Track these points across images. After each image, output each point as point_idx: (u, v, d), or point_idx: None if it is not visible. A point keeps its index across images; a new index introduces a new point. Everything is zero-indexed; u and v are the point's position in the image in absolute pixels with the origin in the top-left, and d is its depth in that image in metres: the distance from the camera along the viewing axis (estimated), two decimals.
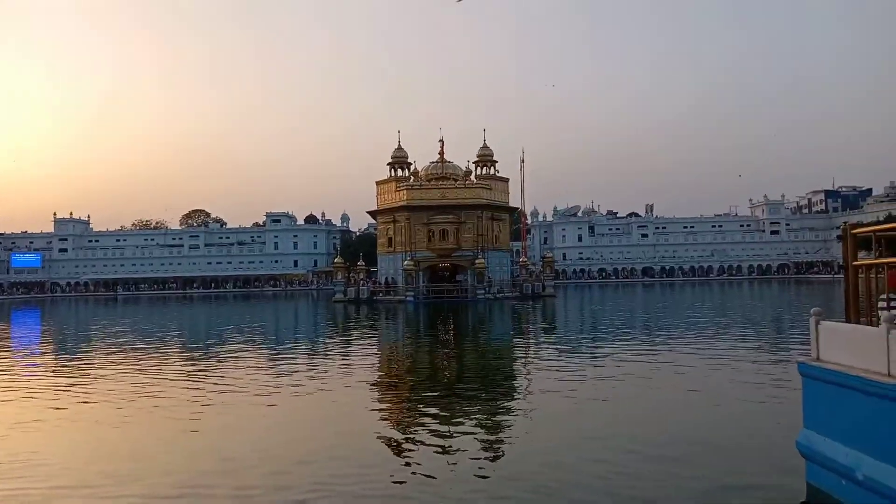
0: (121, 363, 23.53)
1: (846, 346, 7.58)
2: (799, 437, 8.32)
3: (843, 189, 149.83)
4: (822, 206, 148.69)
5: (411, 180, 73.79)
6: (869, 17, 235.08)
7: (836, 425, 7.58)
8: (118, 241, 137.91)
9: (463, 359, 24.39)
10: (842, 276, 8.34)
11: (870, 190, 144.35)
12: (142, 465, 10.40)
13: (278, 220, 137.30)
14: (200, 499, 8.87)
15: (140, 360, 24.36)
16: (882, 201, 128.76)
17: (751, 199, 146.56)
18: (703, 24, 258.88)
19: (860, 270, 7.96)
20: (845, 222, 8.06)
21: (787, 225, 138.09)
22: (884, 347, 6.82)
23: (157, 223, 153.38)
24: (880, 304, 7.42)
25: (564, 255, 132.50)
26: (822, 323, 8.14)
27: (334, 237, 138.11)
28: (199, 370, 21.65)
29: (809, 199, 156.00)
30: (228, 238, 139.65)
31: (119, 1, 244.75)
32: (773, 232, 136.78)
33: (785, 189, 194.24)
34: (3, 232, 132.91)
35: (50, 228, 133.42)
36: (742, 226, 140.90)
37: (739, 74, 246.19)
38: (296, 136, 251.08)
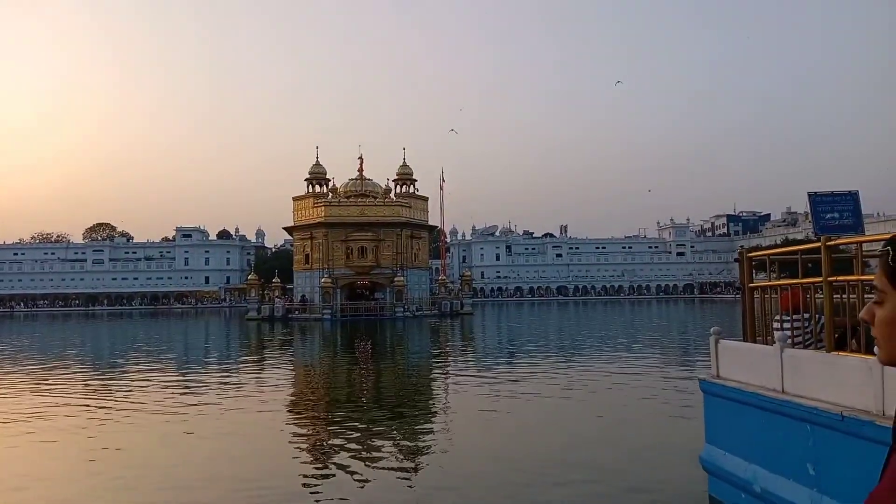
0: (17, 383, 22.03)
1: (744, 363, 7.97)
2: (701, 453, 8.65)
3: (744, 214, 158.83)
4: (725, 230, 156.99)
5: (330, 197, 73.07)
6: (767, 43, 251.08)
7: (735, 440, 7.93)
8: (15, 254, 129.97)
9: (380, 377, 24.18)
10: (740, 296, 8.79)
11: (768, 215, 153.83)
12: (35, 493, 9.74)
13: (189, 235, 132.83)
14: None
15: (38, 380, 22.88)
16: (779, 226, 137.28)
17: (658, 222, 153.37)
18: (605, 46, 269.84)
19: (756, 292, 8.40)
20: (742, 246, 8.53)
21: (692, 247, 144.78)
22: (778, 365, 7.20)
23: (58, 237, 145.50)
24: (774, 324, 7.84)
25: (483, 273, 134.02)
26: (722, 342, 8.53)
27: (248, 253, 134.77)
28: (102, 391, 20.54)
29: (713, 223, 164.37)
30: (135, 253, 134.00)
31: (35, 11, 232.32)
32: (679, 253, 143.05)
33: (690, 213, 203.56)
34: None
35: None
36: (650, 247, 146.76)
37: (646, 98, 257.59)
38: (209, 148, 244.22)
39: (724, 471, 7.96)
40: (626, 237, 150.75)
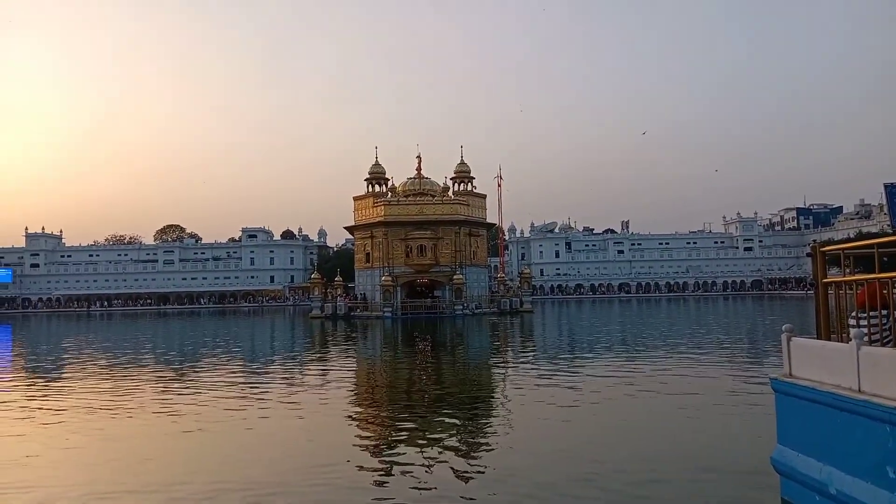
0: (99, 379, 23.12)
1: (817, 362, 7.70)
2: (773, 454, 8.41)
3: (815, 207, 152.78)
4: (794, 224, 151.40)
5: (389, 196, 73.79)
6: (850, 36, 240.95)
7: (808, 441, 7.67)
8: (91, 256, 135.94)
9: (441, 374, 24.32)
10: (813, 292, 8.49)
11: (840, 207, 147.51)
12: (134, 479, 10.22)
13: (254, 236, 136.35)
14: None
15: (118, 377, 23.96)
16: (852, 219, 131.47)
17: (724, 217, 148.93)
18: (680, 40, 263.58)
19: (830, 288, 8.11)
20: (814, 241, 8.23)
21: (760, 242, 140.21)
22: (853, 363, 6.94)
23: (130, 238, 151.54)
24: (850, 321, 7.56)
25: (542, 270, 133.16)
26: (794, 339, 8.26)
27: (311, 252, 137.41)
28: (177, 386, 21.34)
29: (782, 217, 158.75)
30: (204, 253, 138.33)
31: (101, 20, 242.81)
32: (746, 248, 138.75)
33: (758, 207, 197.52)
34: None
35: (21, 244, 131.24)
36: (716, 242, 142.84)
37: (714, 94, 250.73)
38: (273, 150, 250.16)
39: (798, 472, 7.71)
40: (690, 232, 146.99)
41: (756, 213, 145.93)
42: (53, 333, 57.04)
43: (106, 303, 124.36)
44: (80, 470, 11.37)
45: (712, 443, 12.25)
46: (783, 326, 8.56)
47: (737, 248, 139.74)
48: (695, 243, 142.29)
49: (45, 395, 20.08)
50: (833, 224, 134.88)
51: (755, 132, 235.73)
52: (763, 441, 10.40)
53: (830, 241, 9.30)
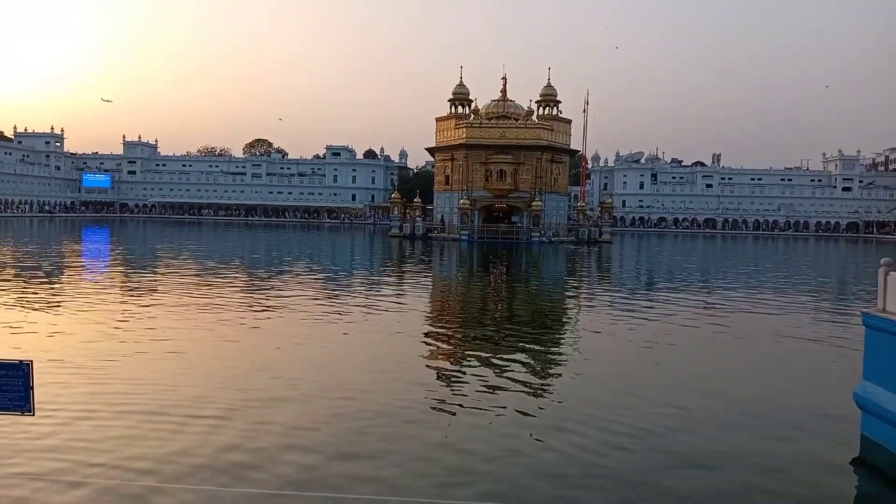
0: (210, 287, 24.54)
1: None
2: (857, 389, 8.14)
3: None
4: None
5: (471, 118, 72.79)
6: None
7: None
8: (184, 165, 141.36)
9: (514, 300, 24.50)
10: None
11: None
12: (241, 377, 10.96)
13: (338, 154, 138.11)
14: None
15: (222, 284, 25.34)
16: None
17: (824, 154, 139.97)
18: None
19: None
20: None
21: (861, 182, 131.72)
22: None
23: (221, 150, 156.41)
24: None
25: (624, 202, 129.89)
26: (892, 273, 7.84)
27: (392, 173, 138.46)
28: (268, 293, 22.41)
29: (886, 156, 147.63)
30: (289, 169, 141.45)
31: None
32: (844, 189, 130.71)
33: (861, 144, 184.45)
34: (75, 152, 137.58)
35: (119, 151, 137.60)
36: (812, 180, 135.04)
37: (820, 20, 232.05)
38: (357, 70, 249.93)
39: (882, 408, 7.45)
40: (785, 169, 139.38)
41: (859, 152, 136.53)
42: (157, 239, 60.32)
43: (197, 211, 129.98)
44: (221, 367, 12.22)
45: (793, 378, 11.96)
46: (882, 260, 8.12)
47: (834, 187, 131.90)
48: (789, 180, 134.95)
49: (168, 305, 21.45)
50: None
51: (864, 63, 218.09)
52: (845, 380, 10.07)
53: None
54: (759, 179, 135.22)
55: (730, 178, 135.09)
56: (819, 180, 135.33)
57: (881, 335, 7.69)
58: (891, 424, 7.32)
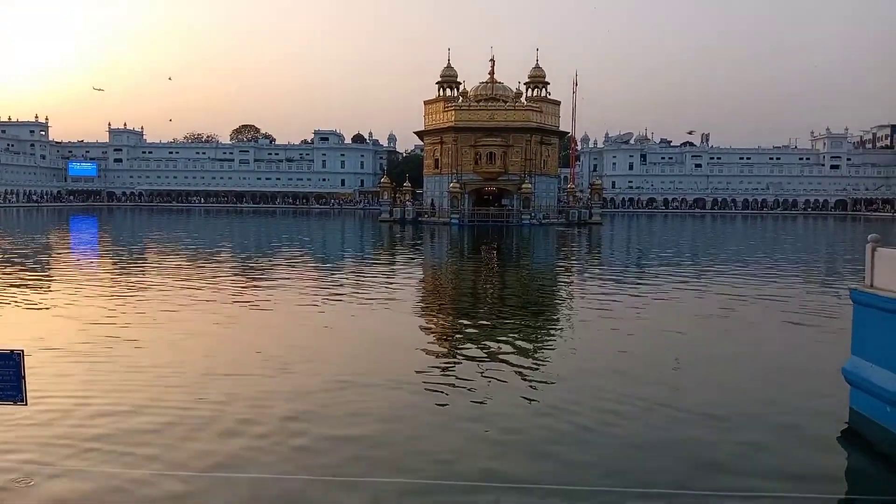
0: (205, 272, 24.43)
1: None
2: (845, 364, 8.24)
3: None
4: (888, 142, 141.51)
5: (460, 101, 72.46)
6: None
7: (885, 352, 7.47)
8: (171, 153, 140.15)
9: (505, 282, 24.56)
10: None
11: None
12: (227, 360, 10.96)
13: (326, 139, 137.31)
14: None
15: (217, 270, 25.24)
16: None
17: (812, 132, 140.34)
18: None
19: None
20: None
21: (849, 160, 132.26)
22: None
23: (208, 137, 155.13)
24: None
25: (614, 183, 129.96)
26: (879, 249, 7.91)
27: (381, 157, 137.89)
28: (259, 280, 22.36)
29: (874, 134, 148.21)
30: (278, 154, 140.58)
31: None
32: (833, 167, 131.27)
33: (849, 122, 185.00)
34: (60, 140, 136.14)
35: (105, 139, 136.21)
36: (801, 159, 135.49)
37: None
38: (343, 53, 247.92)
39: (870, 383, 7.56)
40: (774, 147, 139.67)
41: (846, 130, 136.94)
42: (145, 227, 59.94)
43: (185, 199, 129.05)
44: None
45: (781, 356, 12.09)
46: (869, 236, 8.20)
47: (823, 165, 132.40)
48: (778, 159, 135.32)
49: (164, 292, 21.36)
50: None
51: (852, 40, 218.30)
52: (832, 354, 10.18)
53: None
54: (748, 158, 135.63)
55: (718, 158, 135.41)
56: (807, 158, 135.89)
57: (868, 311, 7.78)
58: (878, 398, 7.42)
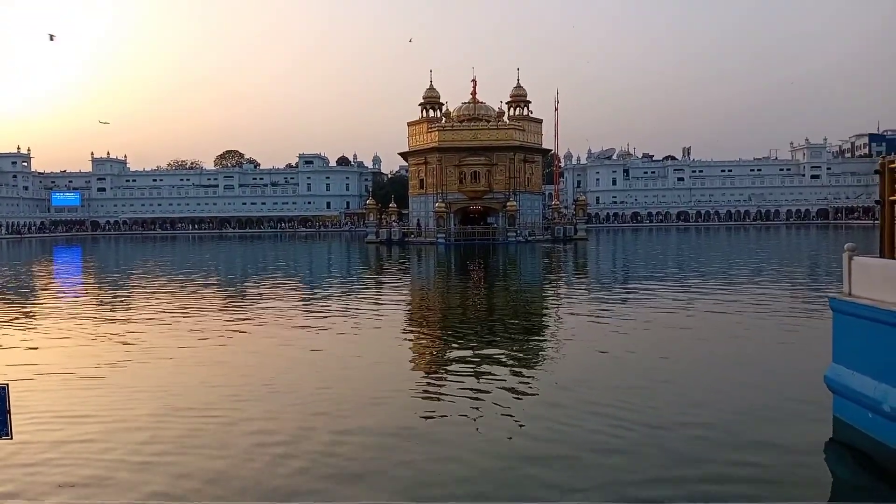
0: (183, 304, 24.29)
1: (879, 281, 7.52)
2: (827, 372, 8.35)
3: (889, 133, 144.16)
4: (866, 151, 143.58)
5: (443, 121, 72.90)
6: None
7: (865, 359, 7.58)
8: (154, 180, 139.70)
9: (493, 300, 24.62)
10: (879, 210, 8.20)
11: None
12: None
13: (310, 162, 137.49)
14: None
15: (203, 299, 25.10)
16: None
17: (791, 143, 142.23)
18: None
19: None
20: (883, 156, 7.87)
21: (829, 169, 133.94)
22: None
23: (192, 163, 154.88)
24: None
25: (598, 198, 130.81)
26: (856, 258, 8.06)
27: (366, 179, 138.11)
28: (244, 306, 22.27)
29: (853, 143, 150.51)
30: (262, 179, 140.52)
31: None
32: (813, 176, 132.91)
33: (828, 132, 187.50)
34: (42, 171, 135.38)
35: (88, 168, 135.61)
36: (781, 170, 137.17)
37: (781, 9, 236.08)
38: (326, 77, 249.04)
39: (852, 390, 7.66)
40: (755, 159, 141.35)
41: (825, 140, 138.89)
42: (130, 256, 59.53)
43: (169, 226, 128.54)
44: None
45: (765, 362, 12.19)
46: (845, 245, 8.34)
47: (803, 175, 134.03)
48: (759, 170, 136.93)
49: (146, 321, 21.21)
50: None
51: (829, 52, 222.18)
52: (815, 362, 10.30)
53: None
54: (730, 171, 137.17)
55: (700, 171, 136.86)
56: (788, 169, 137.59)
57: (847, 318, 7.91)
58: (860, 405, 7.52)
